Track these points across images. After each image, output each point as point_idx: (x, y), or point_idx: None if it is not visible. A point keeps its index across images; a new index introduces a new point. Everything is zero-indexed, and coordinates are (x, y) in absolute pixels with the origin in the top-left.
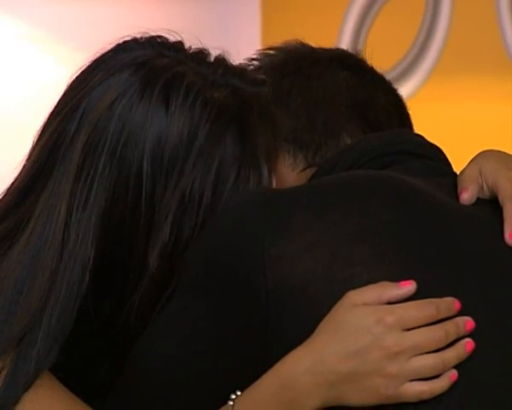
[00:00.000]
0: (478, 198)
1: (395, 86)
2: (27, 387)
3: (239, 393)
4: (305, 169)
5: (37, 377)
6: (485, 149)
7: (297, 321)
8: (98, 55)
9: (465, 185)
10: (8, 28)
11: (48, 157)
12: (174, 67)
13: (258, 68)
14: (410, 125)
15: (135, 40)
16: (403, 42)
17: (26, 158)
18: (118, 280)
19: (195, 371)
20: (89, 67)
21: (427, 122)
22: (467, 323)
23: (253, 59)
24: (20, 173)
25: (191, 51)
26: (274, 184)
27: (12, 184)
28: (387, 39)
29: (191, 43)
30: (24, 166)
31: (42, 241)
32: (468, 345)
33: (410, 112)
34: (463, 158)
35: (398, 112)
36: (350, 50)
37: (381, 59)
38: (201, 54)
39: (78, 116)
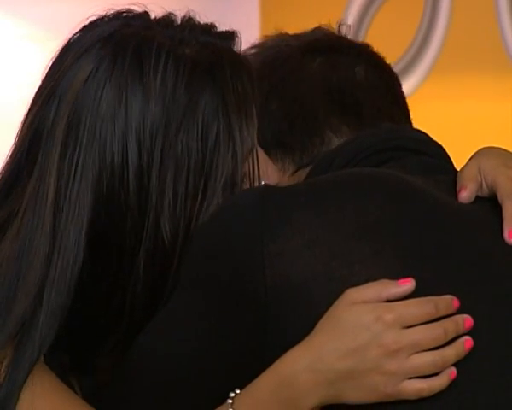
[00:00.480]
0: (477, 196)
1: None
2: (31, 369)
3: (238, 391)
4: (296, 171)
5: (39, 356)
6: (485, 146)
7: (296, 318)
8: (66, 40)
9: (464, 183)
10: (9, 28)
11: (30, 145)
12: (141, 33)
13: None
14: (398, 99)
15: (100, 18)
16: (402, 40)
17: (9, 152)
18: (113, 257)
19: (194, 369)
20: (59, 53)
21: (427, 120)
22: (466, 321)
23: None
24: (4, 166)
25: (157, 18)
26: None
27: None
28: (386, 37)
29: None
30: (8, 160)
31: (33, 226)
32: (466, 343)
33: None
34: (463, 156)
35: (383, 86)
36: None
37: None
38: (168, 18)
39: (56, 101)
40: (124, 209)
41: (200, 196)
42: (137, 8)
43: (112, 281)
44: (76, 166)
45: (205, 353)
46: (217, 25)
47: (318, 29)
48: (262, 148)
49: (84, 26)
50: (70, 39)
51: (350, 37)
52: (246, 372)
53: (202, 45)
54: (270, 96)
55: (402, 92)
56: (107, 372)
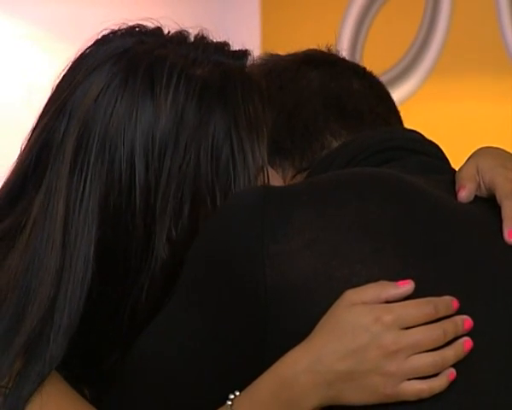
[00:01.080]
0: (476, 196)
1: (395, 86)
2: (40, 384)
3: (238, 393)
4: (295, 176)
5: (49, 373)
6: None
7: (296, 319)
8: (78, 54)
9: (463, 183)
10: (8, 28)
11: (38, 158)
12: (155, 51)
13: None
14: (391, 106)
15: (113, 32)
16: (402, 41)
17: (15, 161)
18: (121, 269)
19: (194, 370)
20: (71, 67)
21: (427, 121)
22: (465, 322)
23: None
24: (10, 176)
25: (170, 34)
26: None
27: (2, 187)
28: (387, 39)
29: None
30: (14, 169)
31: (43, 242)
32: (466, 344)
33: (409, 110)
34: (463, 156)
35: (377, 94)
36: (330, 48)
37: (380, 58)
38: (181, 35)
39: (67, 115)
40: (130, 228)
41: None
42: (150, 24)
43: (118, 297)
44: (85, 183)
45: (205, 354)
46: (219, 33)
47: (310, 49)
48: None
49: (97, 40)
50: (83, 53)
51: (351, 42)
52: (246, 374)
53: (214, 65)
54: (269, 106)
55: (393, 101)
56: (111, 381)
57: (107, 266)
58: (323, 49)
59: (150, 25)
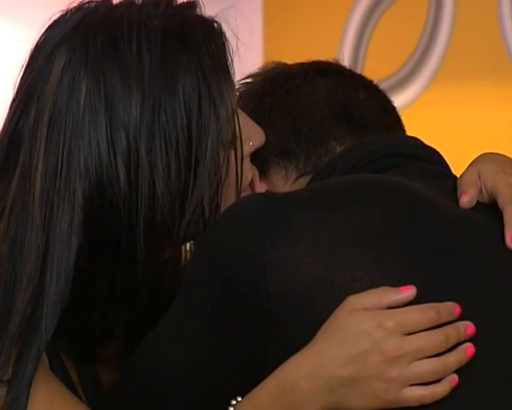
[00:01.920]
0: (477, 202)
1: (397, 92)
2: (38, 362)
3: (239, 399)
4: (298, 179)
5: (45, 346)
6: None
7: (298, 325)
8: (34, 43)
9: (464, 189)
10: (7, 32)
11: (11, 144)
12: (108, 15)
13: (238, 98)
14: (396, 118)
15: (64, 14)
16: (405, 47)
17: None
18: (110, 237)
19: (195, 375)
20: (30, 56)
21: (430, 127)
22: (467, 327)
23: None
24: None
25: (118, 1)
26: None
27: None
28: (389, 45)
29: None
30: None
31: (24, 222)
32: (468, 350)
33: (411, 116)
34: (465, 163)
35: (382, 105)
36: (346, 57)
37: (382, 64)
38: (129, 0)
39: (35, 99)
40: (116, 188)
41: (193, 164)
42: None
43: (112, 262)
44: (62, 156)
45: (206, 359)
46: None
47: (317, 60)
48: (264, 157)
49: (49, 26)
50: (38, 41)
51: (353, 48)
52: (248, 380)
53: (169, 15)
54: (275, 108)
55: (398, 114)
56: (107, 362)
57: (97, 232)
58: (330, 60)
59: None
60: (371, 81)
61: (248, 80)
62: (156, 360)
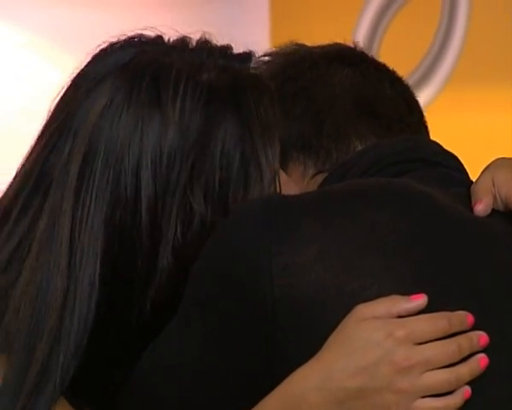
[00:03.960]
0: (493, 209)
1: None
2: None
3: None
4: (315, 176)
5: (59, 397)
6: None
7: (304, 333)
8: (77, 71)
9: (479, 197)
10: (9, 35)
11: (40, 179)
12: (158, 60)
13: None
14: (420, 116)
15: (111, 45)
16: (418, 49)
17: (13, 179)
18: (127, 286)
19: (201, 388)
20: (70, 85)
21: (443, 131)
22: (481, 338)
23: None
24: (8, 193)
25: (172, 42)
26: (278, 162)
27: (2, 198)
28: (401, 47)
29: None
30: (13, 186)
31: (50, 266)
32: (482, 361)
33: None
34: (480, 168)
35: (406, 102)
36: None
37: (395, 67)
38: (183, 42)
39: (71, 135)
40: (136, 244)
41: None
42: (149, 33)
43: (124, 314)
44: (90, 202)
45: (212, 370)
46: (227, 30)
47: (336, 43)
48: (284, 152)
49: (95, 55)
50: (82, 70)
51: (364, 50)
52: (254, 391)
53: (221, 69)
54: (297, 98)
55: (422, 112)
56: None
57: (113, 284)
58: (351, 44)
59: (150, 34)
60: (395, 73)
61: (268, 58)
62: (159, 372)
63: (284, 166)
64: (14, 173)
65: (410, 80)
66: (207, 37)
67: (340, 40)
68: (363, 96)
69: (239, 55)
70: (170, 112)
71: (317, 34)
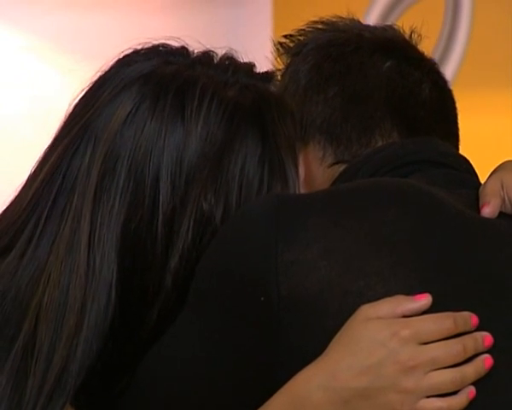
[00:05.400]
0: (500, 212)
1: None
2: None
3: None
4: (333, 165)
5: (68, 403)
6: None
7: (309, 331)
8: (99, 74)
9: (487, 199)
10: (10, 39)
11: (64, 181)
12: (184, 73)
13: (303, 44)
14: (454, 129)
15: (136, 52)
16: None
17: (27, 181)
18: (138, 295)
19: (206, 386)
20: (92, 87)
21: None
22: (485, 338)
23: (299, 32)
24: (22, 196)
25: (196, 55)
26: (300, 178)
27: (14, 204)
28: None
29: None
30: (26, 190)
31: (71, 273)
32: (486, 361)
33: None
34: (481, 171)
35: (443, 111)
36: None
37: None
38: (208, 56)
39: (92, 139)
40: (149, 257)
41: None
42: (174, 43)
43: (135, 322)
44: (109, 209)
45: (217, 368)
46: (230, 34)
47: (391, 28)
48: (308, 130)
49: (119, 60)
50: (105, 73)
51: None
52: (259, 391)
53: (245, 87)
54: (331, 82)
55: (457, 121)
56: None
57: (126, 292)
58: (407, 32)
59: (175, 44)
60: (440, 74)
61: (319, 26)
62: (164, 370)
63: (306, 144)
64: (14, 175)
65: None
66: (232, 53)
67: None
68: (396, 95)
69: (262, 74)
70: (193, 126)
71: None
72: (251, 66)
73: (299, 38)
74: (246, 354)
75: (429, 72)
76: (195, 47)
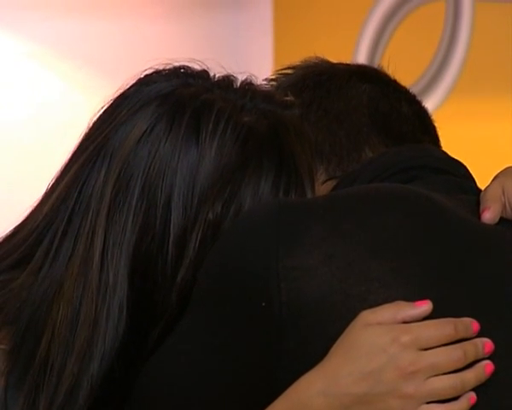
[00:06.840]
0: (501, 217)
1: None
2: None
3: None
4: (326, 181)
5: None
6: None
7: (311, 337)
8: (119, 92)
9: (488, 205)
10: (10, 45)
11: (80, 199)
12: (201, 96)
13: (275, 88)
14: (434, 136)
15: (157, 72)
16: (420, 61)
17: (43, 196)
18: (146, 312)
19: (207, 392)
20: (111, 105)
21: (446, 141)
22: (486, 344)
23: (270, 79)
24: (39, 208)
25: (217, 78)
26: None
27: (29, 219)
28: (404, 59)
29: (212, 65)
30: (44, 202)
31: (84, 290)
32: (487, 367)
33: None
34: (484, 178)
35: (423, 122)
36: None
37: (397, 78)
38: (227, 80)
39: (108, 156)
40: (159, 279)
41: None
42: (196, 66)
43: (141, 338)
44: (121, 228)
45: (218, 374)
46: (230, 41)
47: (364, 65)
48: None
49: (140, 79)
50: (125, 92)
51: (367, 61)
52: (261, 396)
53: (262, 113)
54: (313, 106)
55: (438, 135)
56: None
57: (137, 311)
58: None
59: (196, 66)
60: (415, 96)
61: (288, 71)
62: (166, 377)
63: None
64: (14, 181)
65: (413, 90)
66: (252, 79)
67: (342, 50)
68: (379, 112)
69: (282, 101)
70: (207, 149)
71: (321, 44)
72: (270, 92)
73: (272, 83)
74: (247, 360)
75: (404, 93)
76: (217, 71)
